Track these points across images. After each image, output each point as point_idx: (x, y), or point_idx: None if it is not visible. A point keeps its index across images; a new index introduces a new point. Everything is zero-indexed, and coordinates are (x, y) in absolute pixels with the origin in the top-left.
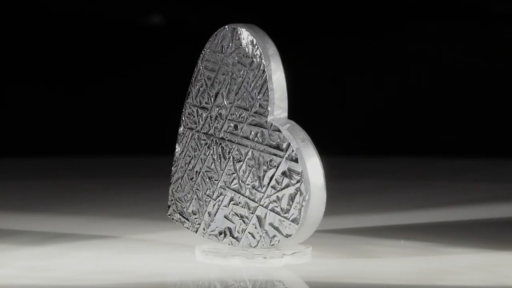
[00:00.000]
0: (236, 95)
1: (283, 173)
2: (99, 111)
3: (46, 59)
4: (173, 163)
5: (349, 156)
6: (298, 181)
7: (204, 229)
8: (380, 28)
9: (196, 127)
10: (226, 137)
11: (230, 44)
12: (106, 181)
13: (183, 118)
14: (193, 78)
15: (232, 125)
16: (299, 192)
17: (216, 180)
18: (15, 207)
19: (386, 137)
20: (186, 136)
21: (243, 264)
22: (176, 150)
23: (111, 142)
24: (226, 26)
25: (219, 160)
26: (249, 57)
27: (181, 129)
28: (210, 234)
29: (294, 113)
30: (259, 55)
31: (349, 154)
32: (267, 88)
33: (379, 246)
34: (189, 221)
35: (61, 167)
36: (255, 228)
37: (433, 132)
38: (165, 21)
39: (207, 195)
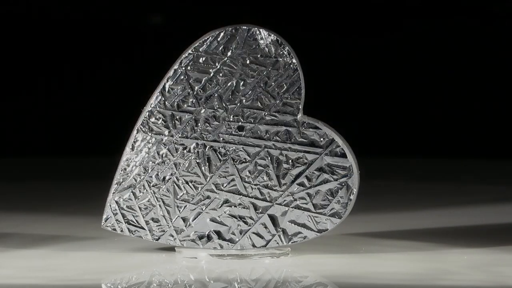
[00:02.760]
0: (244, 95)
1: (320, 169)
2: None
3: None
4: (120, 171)
5: None
6: (344, 176)
7: (172, 236)
8: (377, 26)
9: (169, 132)
10: (223, 138)
11: (240, 45)
12: (105, 181)
13: (143, 124)
14: (166, 83)
15: (234, 126)
16: (345, 186)
17: (200, 184)
18: (15, 208)
19: (385, 137)
20: (147, 142)
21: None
22: (126, 158)
23: (112, 143)
24: (231, 28)
25: (207, 163)
26: (271, 57)
27: (138, 135)
28: (183, 240)
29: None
30: (287, 54)
31: None
32: (298, 87)
33: (379, 246)
34: (145, 229)
35: (61, 168)
36: (265, 227)
37: (433, 132)
38: (164, 21)
39: (182, 200)
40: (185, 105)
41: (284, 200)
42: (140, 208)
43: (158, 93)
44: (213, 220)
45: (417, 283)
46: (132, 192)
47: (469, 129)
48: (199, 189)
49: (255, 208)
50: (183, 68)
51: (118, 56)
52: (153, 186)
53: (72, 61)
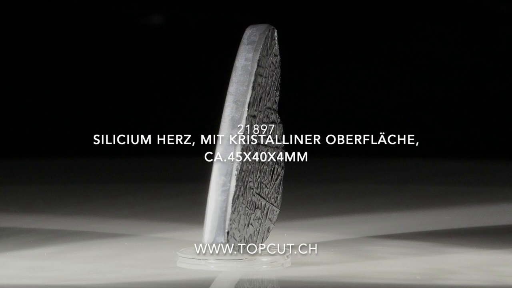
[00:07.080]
0: (267, 96)
1: (279, 163)
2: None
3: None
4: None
5: (343, 158)
6: (283, 168)
7: (237, 247)
8: (376, 25)
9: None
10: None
11: (271, 45)
12: (105, 182)
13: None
14: (251, 88)
15: (262, 128)
16: (282, 178)
17: (252, 189)
18: (15, 208)
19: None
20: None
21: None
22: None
23: (112, 144)
24: (272, 28)
25: (256, 169)
26: (277, 55)
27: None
28: (239, 249)
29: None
30: (279, 52)
31: (343, 156)
32: (279, 83)
33: (379, 246)
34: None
35: (60, 168)
36: (260, 225)
37: (432, 132)
38: (164, 21)
39: (250, 212)
40: (253, 110)
41: (269, 198)
42: (238, 229)
43: (252, 101)
44: (249, 225)
45: (417, 283)
46: (238, 211)
47: (467, 128)
48: (253, 196)
49: (262, 208)
50: (257, 71)
51: (118, 56)
52: (243, 203)
53: (71, 62)
